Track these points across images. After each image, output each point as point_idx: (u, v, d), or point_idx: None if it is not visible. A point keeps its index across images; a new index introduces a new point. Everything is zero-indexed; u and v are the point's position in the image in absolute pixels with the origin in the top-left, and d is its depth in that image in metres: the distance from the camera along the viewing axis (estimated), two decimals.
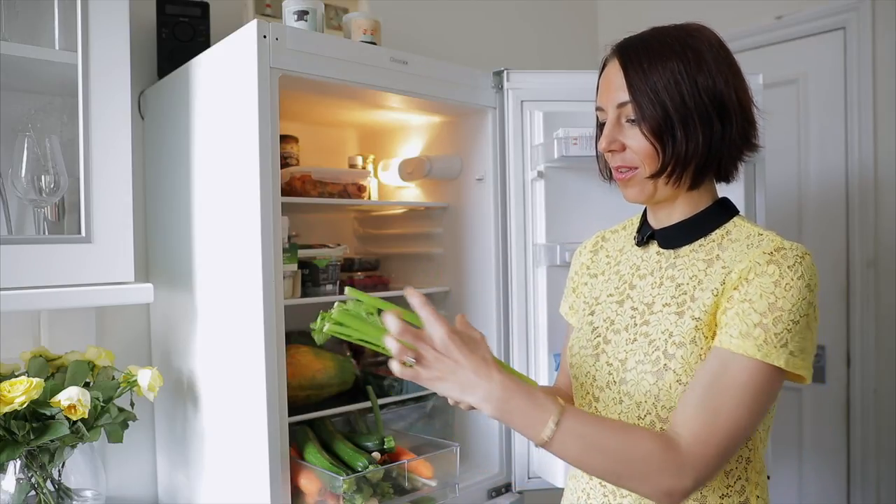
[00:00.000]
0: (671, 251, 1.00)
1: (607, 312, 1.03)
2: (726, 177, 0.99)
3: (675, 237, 0.99)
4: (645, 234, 1.03)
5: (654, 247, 1.03)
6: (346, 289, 0.94)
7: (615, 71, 0.96)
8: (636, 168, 0.95)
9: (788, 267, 0.86)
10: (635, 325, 0.98)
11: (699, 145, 0.91)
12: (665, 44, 0.94)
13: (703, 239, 0.97)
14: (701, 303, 0.91)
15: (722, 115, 0.92)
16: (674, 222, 0.99)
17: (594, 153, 1.05)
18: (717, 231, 0.97)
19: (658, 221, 1.02)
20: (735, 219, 0.98)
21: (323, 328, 0.91)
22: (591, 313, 1.06)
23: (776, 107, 2.25)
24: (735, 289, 0.88)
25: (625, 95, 0.94)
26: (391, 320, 0.83)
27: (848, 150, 2.18)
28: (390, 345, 0.84)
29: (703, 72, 0.92)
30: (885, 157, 2.11)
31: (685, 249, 0.98)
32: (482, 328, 1.64)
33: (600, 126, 1.01)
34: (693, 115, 0.91)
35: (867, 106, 2.13)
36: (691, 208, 0.98)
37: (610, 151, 0.96)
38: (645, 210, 1.06)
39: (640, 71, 0.93)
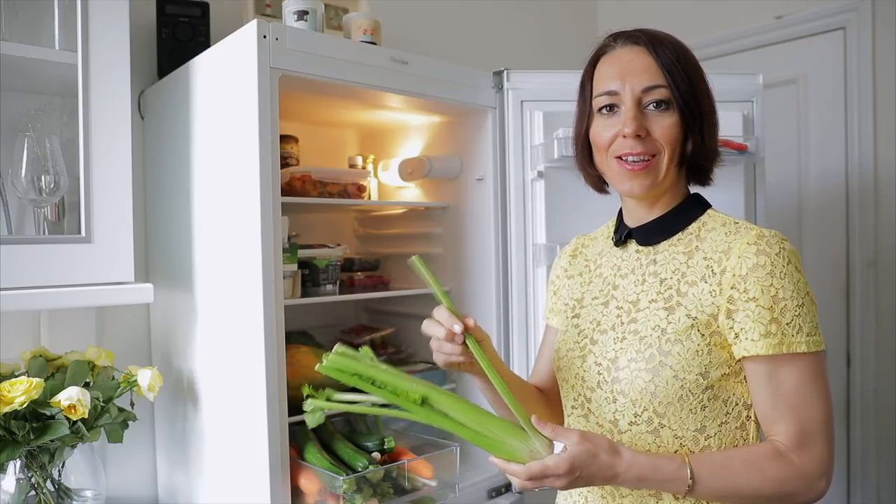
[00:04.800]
0: (650, 248, 1.00)
1: (593, 314, 1.03)
2: (708, 178, 1.01)
3: (652, 233, 1.00)
4: (622, 234, 1.04)
5: (632, 245, 1.03)
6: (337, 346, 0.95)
7: (636, 55, 0.95)
8: (654, 156, 0.94)
9: (776, 255, 0.87)
10: (622, 323, 0.98)
11: (714, 137, 0.97)
12: (672, 40, 0.97)
13: (680, 233, 0.98)
14: (697, 301, 0.91)
15: (714, 116, 0.98)
16: (651, 219, 1.00)
17: (576, 150, 1.04)
18: (693, 224, 0.98)
19: (635, 220, 1.02)
20: (709, 211, 1.00)
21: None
22: (576, 316, 1.06)
23: (776, 107, 2.25)
24: (733, 287, 0.88)
25: (654, 79, 0.93)
26: (516, 470, 0.84)
27: (848, 150, 2.18)
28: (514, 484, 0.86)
29: (701, 72, 0.97)
30: (885, 157, 2.11)
31: (664, 245, 0.99)
32: (482, 328, 1.65)
33: (601, 110, 0.97)
34: (711, 107, 0.97)
35: (867, 106, 2.13)
36: (669, 205, 0.99)
37: (636, 137, 0.93)
38: (620, 211, 1.07)
39: (671, 56, 0.94)
